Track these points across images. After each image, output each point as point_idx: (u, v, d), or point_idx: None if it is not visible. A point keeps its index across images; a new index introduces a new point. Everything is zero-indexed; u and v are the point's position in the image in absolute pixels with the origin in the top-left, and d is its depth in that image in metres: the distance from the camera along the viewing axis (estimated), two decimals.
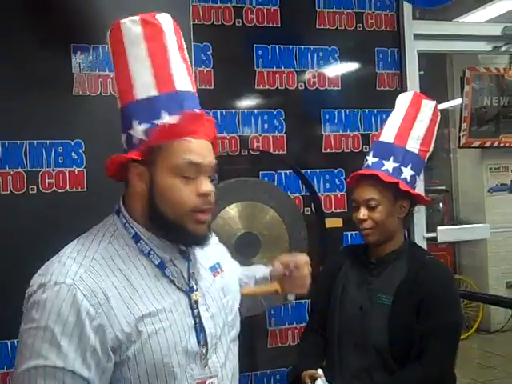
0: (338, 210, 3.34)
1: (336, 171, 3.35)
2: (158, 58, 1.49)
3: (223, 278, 1.66)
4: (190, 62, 3.02)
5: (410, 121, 2.31)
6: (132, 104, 1.48)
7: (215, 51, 3.15)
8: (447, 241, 4.55)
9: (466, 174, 7.50)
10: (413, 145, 2.28)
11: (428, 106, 2.34)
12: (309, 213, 3.23)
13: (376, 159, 2.28)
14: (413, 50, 3.51)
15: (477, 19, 4.74)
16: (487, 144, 6.23)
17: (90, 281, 1.34)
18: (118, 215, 1.49)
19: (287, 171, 3.23)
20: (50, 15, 2.80)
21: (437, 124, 2.36)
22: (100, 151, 2.83)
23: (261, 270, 1.95)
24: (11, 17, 2.76)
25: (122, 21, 1.53)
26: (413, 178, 2.26)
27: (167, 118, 1.44)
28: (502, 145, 6.30)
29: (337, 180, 3.35)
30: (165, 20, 1.55)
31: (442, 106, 6.90)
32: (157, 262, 1.46)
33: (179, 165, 1.42)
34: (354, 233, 3.32)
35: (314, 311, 2.52)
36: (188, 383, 1.44)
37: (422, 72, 3.66)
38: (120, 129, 1.53)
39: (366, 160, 2.32)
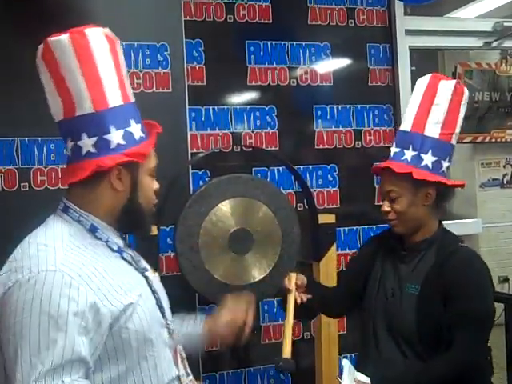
0: (331, 206, 3.35)
1: (329, 167, 3.36)
2: (117, 71, 1.63)
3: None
4: (182, 59, 3.05)
5: (426, 106, 2.24)
6: (106, 111, 1.56)
7: (207, 48, 3.15)
8: None
9: (458, 169, 7.48)
10: (432, 130, 2.22)
11: (446, 86, 2.23)
12: (301, 209, 3.24)
13: (398, 149, 2.24)
14: (404, 45, 3.52)
15: (468, 15, 4.75)
16: (479, 139, 6.23)
17: (71, 265, 1.43)
18: (66, 213, 1.61)
19: (280, 167, 3.24)
20: (39, 10, 2.79)
21: (461, 103, 2.26)
22: None
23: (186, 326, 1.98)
24: (1, 12, 2.75)
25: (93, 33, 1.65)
26: (436, 163, 2.21)
27: (134, 126, 1.60)
28: (493, 140, 6.30)
29: (329, 176, 3.36)
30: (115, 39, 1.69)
31: None
32: (115, 248, 1.60)
33: (152, 168, 1.67)
34: (346, 228, 3.33)
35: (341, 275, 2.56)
36: (166, 349, 1.63)
37: (413, 68, 3.67)
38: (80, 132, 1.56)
39: (390, 151, 2.29)
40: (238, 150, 3.20)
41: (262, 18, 3.26)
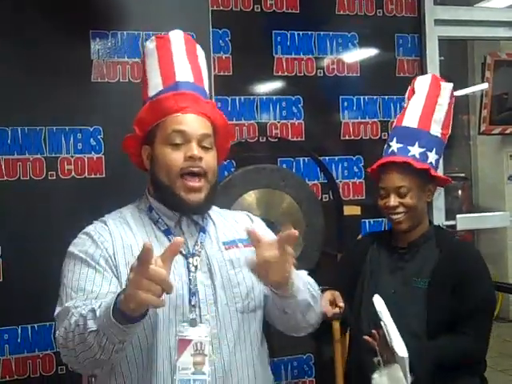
0: (357, 198, 3.33)
1: (354, 158, 3.34)
2: (164, 63, 1.85)
3: (237, 254, 1.80)
4: (208, 49, 3.02)
5: (431, 105, 2.32)
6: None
7: (234, 37, 3.13)
8: (466, 228, 4.51)
9: (486, 161, 7.42)
10: (436, 129, 2.30)
11: (447, 88, 2.35)
12: (327, 200, 3.23)
13: (401, 145, 2.28)
14: (433, 36, 3.47)
15: (498, 4, 4.67)
16: (508, 131, 6.15)
17: (103, 230, 1.74)
18: (145, 194, 1.84)
19: (305, 158, 3.22)
20: (68, 1, 2.81)
21: (452, 105, 2.38)
22: (118, 137, 2.83)
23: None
24: (30, 3, 2.77)
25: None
26: (437, 161, 2.29)
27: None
28: None
29: (355, 167, 3.34)
30: (175, 34, 1.93)
31: (462, 93, 6.82)
32: (163, 229, 1.75)
33: (168, 134, 1.73)
34: (372, 220, 3.31)
35: None
36: (171, 336, 1.63)
37: (442, 58, 3.62)
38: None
39: (390, 146, 2.32)
40: (264, 140, 3.19)
41: (289, 8, 3.23)
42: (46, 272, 2.71)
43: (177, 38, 1.91)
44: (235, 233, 1.84)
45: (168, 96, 1.76)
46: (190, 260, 1.71)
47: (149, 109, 1.78)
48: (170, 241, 1.68)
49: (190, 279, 1.68)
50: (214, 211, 1.91)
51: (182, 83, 1.80)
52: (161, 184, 1.74)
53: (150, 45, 1.92)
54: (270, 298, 1.77)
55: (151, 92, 1.84)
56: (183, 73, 1.82)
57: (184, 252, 1.71)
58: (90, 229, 1.77)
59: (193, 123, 1.74)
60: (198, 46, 1.98)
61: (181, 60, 1.85)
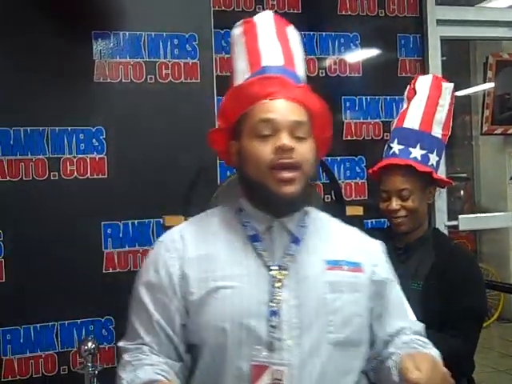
0: (359, 198, 3.33)
1: (356, 159, 3.34)
2: (251, 48, 1.64)
3: (339, 276, 1.53)
4: (210, 49, 3.01)
5: (432, 105, 2.30)
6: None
7: None
8: (469, 229, 4.52)
9: (488, 161, 7.41)
10: (437, 130, 2.28)
11: (448, 89, 2.33)
12: (329, 200, 3.22)
13: (402, 147, 2.26)
14: (435, 36, 3.47)
15: (500, 5, 4.67)
16: (510, 131, 6.15)
17: (173, 246, 1.52)
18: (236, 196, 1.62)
19: None
20: (70, 2, 2.81)
21: (453, 106, 2.37)
22: (121, 138, 2.86)
23: None
24: (32, 4, 2.77)
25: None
26: (438, 163, 2.27)
27: None
28: None
29: (357, 167, 3.34)
30: (263, 16, 1.73)
31: (464, 93, 6.82)
32: (251, 234, 1.52)
33: (255, 124, 1.50)
34: (374, 220, 3.31)
35: None
36: (242, 360, 1.40)
37: (444, 58, 3.62)
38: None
39: (391, 148, 2.29)
40: None
41: (292, 8, 3.23)
42: (48, 272, 2.72)
43: (264, 20, 1.70)
44: (343, 252, 1.58)
45: (253, 81, 1.54)
46: (275, 273, 1.47)
47: (232, 97, 1.57)
48: (255, 249, 1.49)
49: (271, 295, 1.44)
50: (323, 220, 1.68)
51: (269, 67, 1.58)
52: (249, 180, 1.51)
53: (237, 31, 1.70)
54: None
55: (237, 81, 1.62)
56: (271, 56, 1.61)
57: (268, 263, 1.48)
58: (157, 251, 1.55)
59: (282, 110, 1.50)
60: (291, 28, 1.74)
61: (269, 43, 1.64)
